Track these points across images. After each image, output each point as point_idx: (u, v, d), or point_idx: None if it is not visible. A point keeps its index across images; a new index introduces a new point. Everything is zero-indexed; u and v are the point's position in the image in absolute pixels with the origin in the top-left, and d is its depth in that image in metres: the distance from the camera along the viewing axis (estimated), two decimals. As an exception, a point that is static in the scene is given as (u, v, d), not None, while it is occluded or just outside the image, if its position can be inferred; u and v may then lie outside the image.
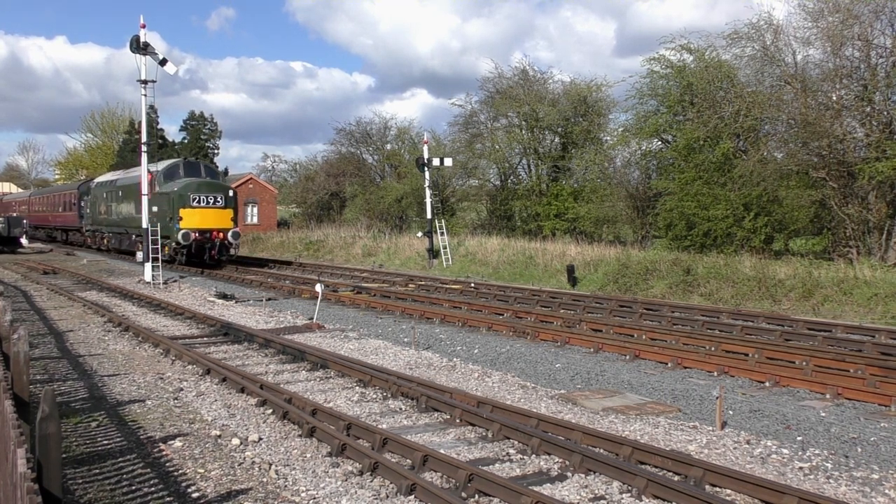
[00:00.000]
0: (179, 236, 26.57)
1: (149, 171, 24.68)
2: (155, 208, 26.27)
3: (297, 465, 6.74)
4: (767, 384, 9.66)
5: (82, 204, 41.57)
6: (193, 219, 27.07)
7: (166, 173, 28.93)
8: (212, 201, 27.54)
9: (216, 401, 9.04)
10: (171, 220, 26.82)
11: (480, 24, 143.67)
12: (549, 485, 6.23)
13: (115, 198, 34.06)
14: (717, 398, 7.94)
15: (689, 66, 28.90)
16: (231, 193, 28.82)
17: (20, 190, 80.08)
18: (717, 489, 6.07)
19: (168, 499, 5.97)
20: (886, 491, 6.11)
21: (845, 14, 22.85)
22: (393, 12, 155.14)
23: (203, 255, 27.37)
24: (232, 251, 28.39)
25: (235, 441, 7.43)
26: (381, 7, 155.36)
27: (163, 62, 23.45)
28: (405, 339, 13.00)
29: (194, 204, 27.14)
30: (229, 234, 27.78)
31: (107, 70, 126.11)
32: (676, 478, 6.26)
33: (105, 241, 36.82)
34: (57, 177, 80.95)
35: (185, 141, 60.92)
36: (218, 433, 7.71)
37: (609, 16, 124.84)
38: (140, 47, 23.18)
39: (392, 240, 36.16)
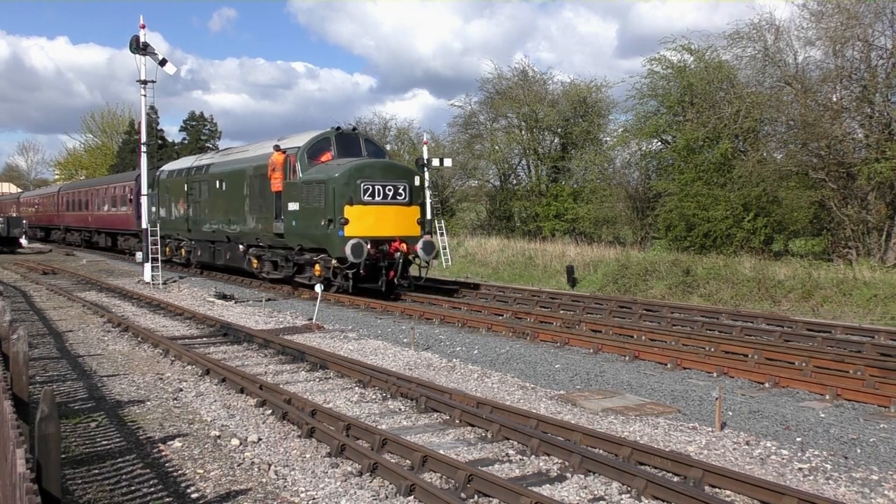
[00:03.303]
0: (347, 249, 16.78)
1: (280, 150, 19.28)
2: (294, 206, 18.75)
3: (296, 466, 6.73)
4: (767, 385, 9.66)
5: (141, 200, 33.60)
6: (365, 222, 17.54)
7: (311, 151, 18.96)
8: (391, 194, 17.93)
9: (215, 401, 9.04)
10: (328, 223, 17.65)
11: (482, 25, 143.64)
12: (548, 485, 6.23)
13: (206, 191, 24.69)
14: (716, 399, 7.94)
15: (690, 66, 28.92)
16: (417, 181, 18.87)
17: (18, 190, 79.83)
18: (717, 490, 6.07)
19: (167, 499, 5.97)
20: (886, 492, 6.11)
21: (846, 15, 22.86)
22: (395, 13, 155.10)
23: (378, 279, 17.97)
24: (422, 272, 18.79)
25: (235, 441, 7.43)
26: (383, 8, 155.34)
27: (162, 62, 23.45)
28: (404, 340, 13.00)
29: (366, 198, 17.57)
30: (418, 245, 18.04)
31: (109, 70, 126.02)
32: (676, 478, 6.26)
33: (182, 251, 27.28)
34: (56, 177, 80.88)
35: (185, 141, 60.94)
36: (217, 434, 7.71)
37: (611, 17, 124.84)
38: (140, 48, 23.18)
39: None
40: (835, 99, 23.90)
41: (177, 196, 27.25)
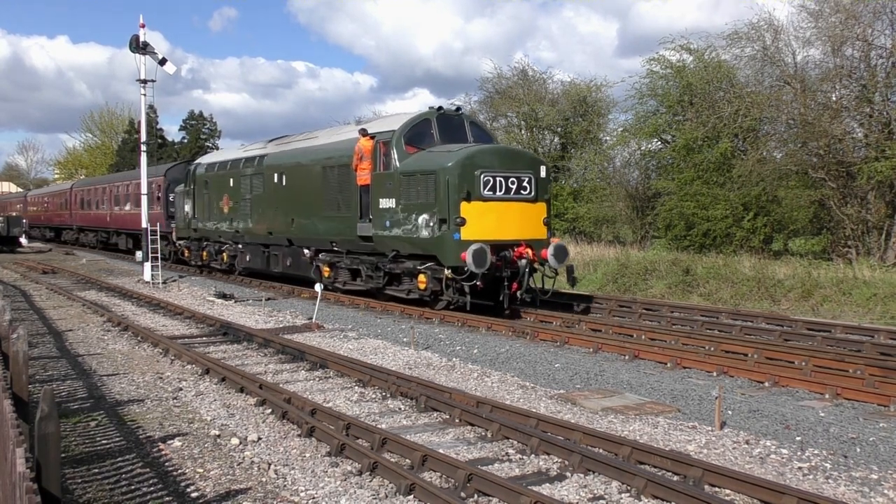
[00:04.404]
0: (469, 256, 13.74)
1: (368, 135, 16.39)
2: (388, 202, 15.65)
3: (296, 465, 6.73)
4: (766, 384, 9.66)
5: (171, 198, 28.98)
6: (485, 222, 14.51)
7: (409, 135, 15.83)
8: (514, 187, 14.79)
9: (215, 400, 9.04)
10: (438, 223, 14.55)
11: (483, 25, 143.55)
12: (548, 485, 6.23)
13: (260, 186, 21.20)
14: (716, 398, 7.94)
15: (689, 66, 28.92)
16: (543, 172, 15.49)
17: (19, 189, 79.71)
18: (717, 489, 6.07)
19: (167, 498, 5.97)
20: (885, 491, 6.11)
21: (845, 14, 22.86)
22: (395, 13, 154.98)
23: (499, 292, 14.98)
24: (547, 286, 15.62)
25: (234, 441, 7.43)
26: (384, 8, 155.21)
27: (162, 62, 23.47)
28: (404, 339, 13.00)
29: (486, 193, 14.46)
30: (549, 250, 14.98)
31: (109, 70, 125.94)
32: (675, 478, 6.26)
33: (224, 256, 23.78)
34: (56, 176, 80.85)
35: (185, 140, 60.93)
36: (217, 433, 7.71)
37: (611, 16, 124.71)
38: (139, 47, 23.21)
39: None
40: (834, 98, 23.91)
41: (218, 192, 23.65)
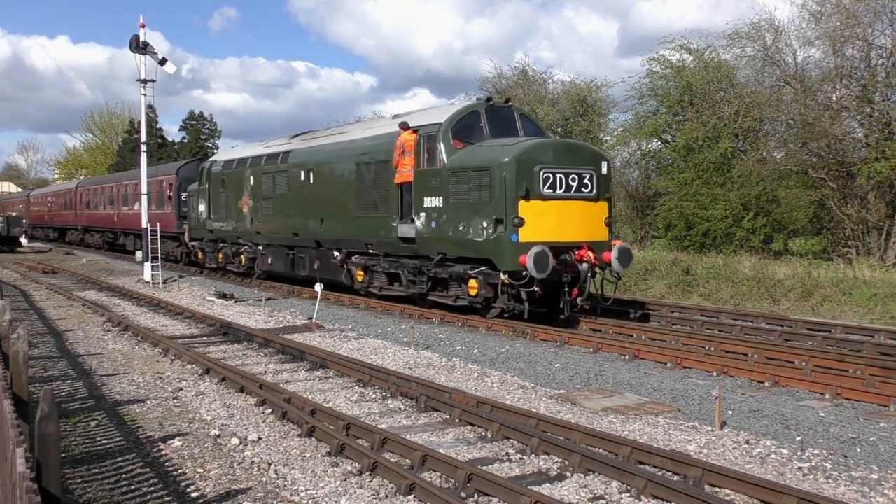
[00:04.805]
0: (530, 260, 12.64)
1: (409, 128, 15.21)
2: (434, 201, 14.58)
3: (296, 465, 6.74)
4: (767, 384, 9.66)
5: (183, 197, 27.61)
6: (545, 223, 13.38)
7: (457, 128, 14.73)
8: (574, 184, 13.66)
9: (215, 400, 9.04)
10: (494, 224, 13.40)
11: (483, 25, 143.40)
12: (548, 485, 6.23)
13: (284, 184, 20.08)
14: (716, 398, 7.94)
15: (689, 66, 28.94)
16: (605, 168, 14.30)
17: (19, 189, 79.70)
18: (717, 489, 6.07)
19: (167, 498, 5.97)
20: (885, 491, 6.11)
21: (845, 14, 22.88)
22: (395, 13, 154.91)
23: (559, 299, 13.71)
24: (609, 293, 14.67)
25: (235, 441, 7.43)
26: (384, 8, 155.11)
27: (162, 62, 23.49)
28: (404, 339, 13.00)
29: (546, 191, 13.36)
30: (612, 253, 13.81)
31: (109, 70, 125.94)
32: (675, 478, 6.26)
33: (242, 258, 22.63)
34: (56, 176, 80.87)
35: (185, 140, 60.93)
36: (217, 433, 7.71)
37: (612, 16, 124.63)
38: (139, 47, 23.23)
39: None
40: (834, 98, 23.94)
41: (236, 191, 22.50)
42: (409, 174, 15.15)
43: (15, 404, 5.18)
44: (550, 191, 13.39)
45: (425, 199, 14.78)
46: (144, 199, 24.42)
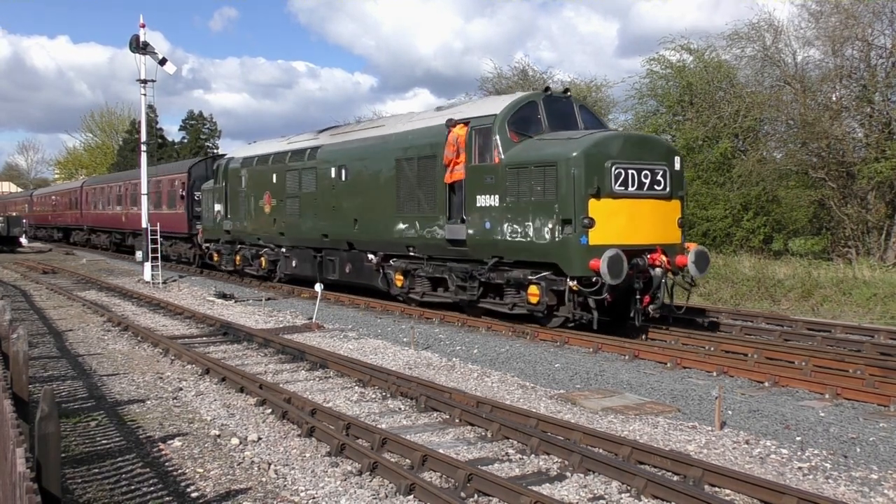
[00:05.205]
0: (603, 265, 11.51)
1: (459, 122, 14.09)
2: (488, 200, 13.40)
3: (296, 465, 6.74)
4: (766, 384, 9.67)
5: (196, 196, 26.47)
6: (616, 223, 12.21)
7: (514, 121, 13.48)
8: (647, 182, 12.50)
9: (215, 400, 9.04)
10: (561, 225, 12.17)
11: (483, 25, 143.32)
12: (548, 485, 6.23)
13: (312, 183, 18.76)
14: (716, 398, 7.94)
15: (689, 66, 28.94)
16: (677, 164, 13.10)
17: (19, 189, 79.68)
18: (717, 489, 6.07)
19: (167, 498, 5.97)
20: (885, 491, 6.11)
21: (845, 14, 22.88)
22: (395, 13, 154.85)
23: (630, 307, 12.63)
24: (681, 302, 13.79)
25: (235, 441, 7.43)
26: (384, 8, 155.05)
27: (162, 62, 23.49)
28: (404, 339, 13.00)
29: (618, 189, 12.17)
30: (689, 256, 12.71)
31: (110, 70, 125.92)
32: (675, 478, 6.26)
33: (262, 260, 21.26)
34: (56, 176, 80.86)
35: (185, 140, 60.93)
36: (217, 433, 7.71)
37: (612, 16, 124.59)
38: (139, 47, 23.24)
39: None
40: (834, 98, 23.95)
41: (258, 190, 21.22)
42: (462, 171, 13.93)
43: (15, 404, 5.19)
44: (622, 188, 12.19)
45: (479, 198, 13.57)
46: (144, 199, 24.41)
